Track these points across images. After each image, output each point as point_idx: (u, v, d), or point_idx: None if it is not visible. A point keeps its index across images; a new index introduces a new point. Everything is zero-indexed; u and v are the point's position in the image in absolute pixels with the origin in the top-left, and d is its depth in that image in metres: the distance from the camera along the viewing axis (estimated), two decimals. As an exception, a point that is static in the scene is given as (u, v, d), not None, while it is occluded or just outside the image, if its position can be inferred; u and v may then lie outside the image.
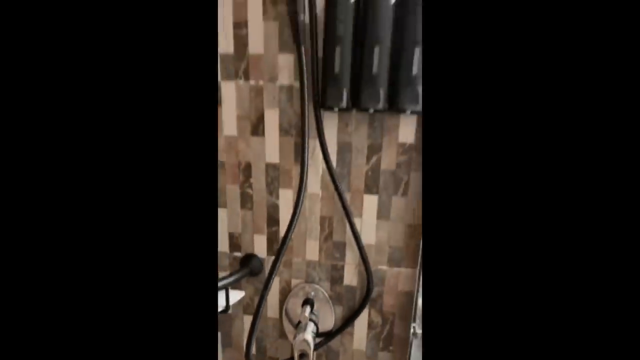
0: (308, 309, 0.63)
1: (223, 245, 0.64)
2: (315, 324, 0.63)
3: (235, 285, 0.64)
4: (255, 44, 0.52)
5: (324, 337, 0.64)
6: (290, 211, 0.58)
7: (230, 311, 0.64)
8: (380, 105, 0.48)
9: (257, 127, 0.56)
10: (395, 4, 0.44)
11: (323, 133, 0.53)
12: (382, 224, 0.57)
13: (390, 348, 0.63)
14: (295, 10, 0.43)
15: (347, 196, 0.57)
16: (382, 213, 0.57)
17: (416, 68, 0.45)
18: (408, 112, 0.48)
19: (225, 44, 0.53)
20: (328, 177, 0.56)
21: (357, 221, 0.57)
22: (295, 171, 0.57)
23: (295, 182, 0.57)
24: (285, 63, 0.52)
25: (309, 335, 0.61)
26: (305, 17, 0.46)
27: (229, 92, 0.55)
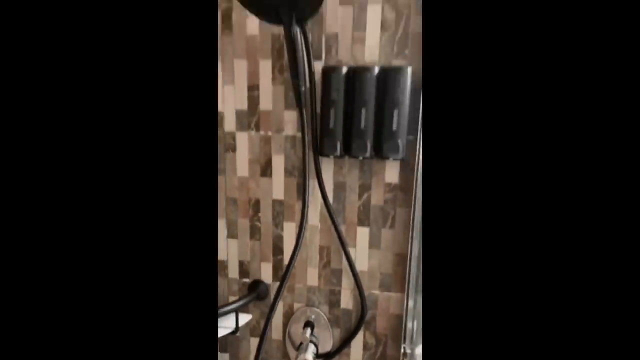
0: (309, 331, 0.69)
1: (233, 272, 0.71)
2: (316, 345, 0.69)
3: (244, 308, 0.71)
4: (265, 103, 0.64)
5: (323, 358, 0.70)
6: (293, 241, 0.66)
7: (238, 333, 0.70)
8: (368, 153, 0.58)
9: (266, 170, 0.66)
10: (377, 76, 0.55)
11: (321, 175, 0.63)
12: (373, 252, 0.65)
13: (384, 368, 0.68)
14: (298, 84, 0.54)
15: (343, 228, 0.65)
16: (373, 243, 0.65)
17: (395, 125, 0.55)
18: (391, 159, 0.58)
19: (241, 102, 0.65)
20: (326, 212, 0.65)
21: (351, 250, 0.66)
22: (298, 207, 0.66)
23: (298, 216, 0.66)
24: (290, 118, 0.63)
25: (309, 355, 0.67)
26: (306, 86, 0.57)
27: (243, 141, 0.66)
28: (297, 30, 0.51)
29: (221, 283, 0.72)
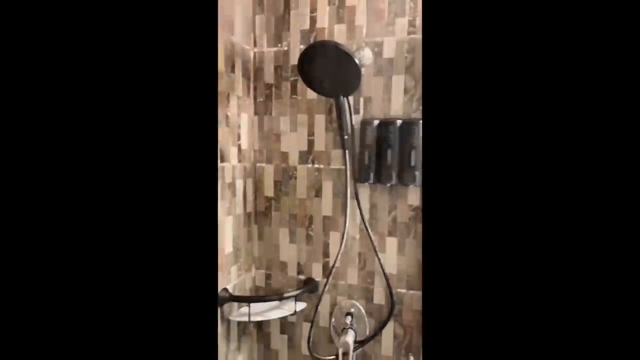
0: (349, 319, 0.88)
1: (292, 270, 0.94)
2: (354, 332, 0.88)
3: (299, 298, 0.92)
4: (319, 145, 0.89)
5: (360, 343, 0.88)
6: (337, 248, 0.88)
7: (295, 318, 0.92)
8: (393, 181, 0.79)
9: (318, 192, 0.90)
10: (400, 126, 0.77)
11: (359, 197, 0.84)
12: (400, 258, 0.84)
13: (410, 355, 0.84)
14: (342, 134, 0.78)
15: (375, 238, 0.85)
16: (400, 251, 0.84)
17: (413, 161, 0.76)
18: (411, 186, 0.78)
19: (302, 144, 0.90)
20: (363, 225, 0.86)
21: (382, 256, 0.85)
22: (341, 221, 0.88)
23: (341, 228, 0.88)
24: (337, 155, 0.87)
25: (350, 338, 0.86)
26: (348, 134, 0.81)
27: (302, 171, 0.91)
28: (344, 100, 0.75)
29: (282, 278, 0.95)
